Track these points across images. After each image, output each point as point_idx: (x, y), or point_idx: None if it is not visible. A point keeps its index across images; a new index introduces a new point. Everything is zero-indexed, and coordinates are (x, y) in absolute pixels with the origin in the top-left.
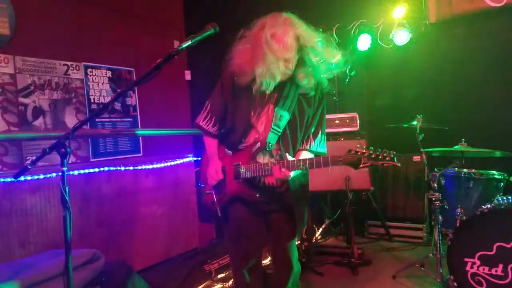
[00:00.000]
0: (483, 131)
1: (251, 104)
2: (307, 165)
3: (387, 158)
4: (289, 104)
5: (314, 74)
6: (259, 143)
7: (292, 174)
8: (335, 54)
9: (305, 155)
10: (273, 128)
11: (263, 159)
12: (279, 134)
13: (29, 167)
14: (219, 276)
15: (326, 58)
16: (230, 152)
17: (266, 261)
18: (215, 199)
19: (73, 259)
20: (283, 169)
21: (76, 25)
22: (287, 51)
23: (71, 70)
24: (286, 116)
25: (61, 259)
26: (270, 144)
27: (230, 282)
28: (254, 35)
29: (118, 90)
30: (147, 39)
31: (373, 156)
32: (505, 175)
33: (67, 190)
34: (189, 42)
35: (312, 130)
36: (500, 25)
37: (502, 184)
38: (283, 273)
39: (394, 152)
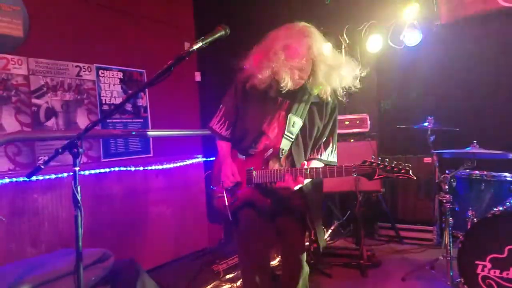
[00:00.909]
0: (496, 133)
1: (263, 111)
2: (320, 174)
3: (402, 171)
4: (301, 111)
5: (326, 84)
6: (271, 149)
7: (304, 182)
8: (348, 65)
9: (315, 164)
10: (286, 135)
11: (275, 165)
12: (292, 140)
13: (42, 166)
14: (228, 276)
15: (339, 69)
16: (244, 156)
17: (275, 262)
18: (227, 203)
19: (83, 258)
20: (297, 177)
21: (88, 27)
22: (300, 60)
23: (83, 71)
24: (299, 123)
25: (72, 258)
26: (283, 151)
27: (239, 283)
28: (268, 44)
29: (130, 91)
30: (157, 41)
31: (388, 168)
32: None
33: (78, 189)
34: (200, 44)
35: (324, 139)
36: None
37: None
38: (293, 274)
39: (409, 165)
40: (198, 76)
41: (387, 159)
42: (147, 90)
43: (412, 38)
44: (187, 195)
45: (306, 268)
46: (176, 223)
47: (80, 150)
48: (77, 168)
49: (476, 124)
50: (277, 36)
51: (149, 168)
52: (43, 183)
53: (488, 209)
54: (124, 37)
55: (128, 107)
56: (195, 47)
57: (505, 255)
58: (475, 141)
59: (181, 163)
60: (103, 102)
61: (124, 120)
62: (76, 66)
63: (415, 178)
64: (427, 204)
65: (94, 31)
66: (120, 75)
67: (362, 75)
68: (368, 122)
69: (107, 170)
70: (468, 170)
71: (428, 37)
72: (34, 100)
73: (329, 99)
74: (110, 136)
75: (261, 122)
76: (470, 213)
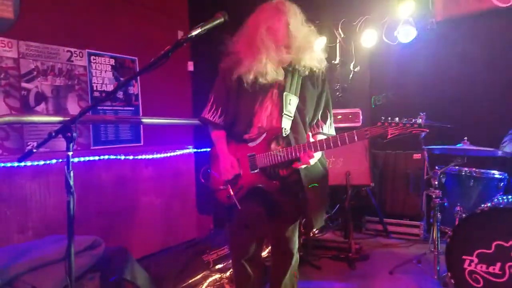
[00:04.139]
0: (487, 130)
1: (254, 91)
2: (331, 144)
3: (415, 125)
4: (295, 87)
5: (310, 56)
6: (273, 130)
7: (317, 155)
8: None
9: (320, 137)
10: (285, 114)
11: (277, 146)
12: (292, 118)
13: (35, 150)
14: (217, 266)
15: (310, 47)
16: (242, 143)
17: (264, 253)
18: (232, 193)
19: (78, 244)
20: (309, 152)
21: (81, 12)
22: (284, 39)
23: (75, 56)
24: (295, 100)
25: (62, 244)
26: (285, 129)
27: (228, 273)
28: (250, 32)
29: (121, 79)
30: (151, 29)
31: (400, 125)
32: (506, 175)
33: (71, 175)
34: (199, 30)
35: (321, 113)
36: (507, 25)
37: (502, 184)
38: (282, 262)
39: (420, 120)
40: (191, 66)
41: (397, 118)
42: (138, 78)
43: (406, 34)
44: (177, 185)
45: (296, 256)
46: (165, 213)
47: (74, 134)
48: (70, 153)
49: (468, 121)
50: (257, 20)
51: (139, 157)
52: (31, 169)
53: (476, 205)
54: (117, 23)
55: (120, 94)
56: (194, 33)
57: (492, 250)
58: (466, 138)
59: (172, 153)
60: (94, 88)
61: (115, 108)
62: (68, 51)
63: (427, 130)
64: (415, 200)
65: (87, 16)
66: (112, 61)
67: (356, 70)
68: (361, 117)
69: (97, 158)
70: (457, 167)
71: (422, 33)
72: (24, 84)
73: (318, 70)
74: (105, 122)
75: (253, 103)
76: (458, 208)
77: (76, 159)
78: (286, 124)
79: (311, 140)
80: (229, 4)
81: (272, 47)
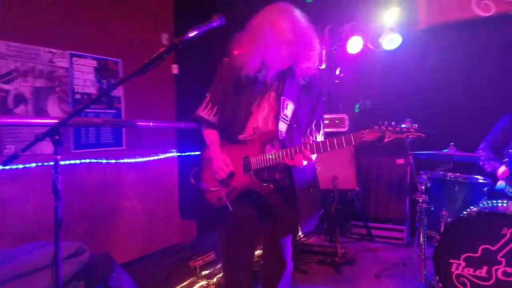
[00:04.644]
0: (470, 136)
1: (251, 92)
2: (328, 146)
3: (411, 130)
4: (292, 93)
5: (308, 63)
6: (268, 132)
7: (313, 157)
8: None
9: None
10: (282, 117)
11: (272, 149)
12: (288, 123)
13: (20, 153)
14: (204, 272)
15: (316, 46)
16: (235, 144)
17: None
18: (223, 195)
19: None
20: (305, 153)
21: (63, 12)
22: (287, 37)
23: (56, 57)
24: (291, 105)
25: (45, 251)
26: (281, 132)
27: (215, 279)
28: (253, 28)
29: (104, 81)
30: (135, 31)
31: (397, 129)
32: (489, 180)
33: (59, 179)
34: (195, 32)
35: (314, 122)
36: (488, 33)
37: (486, 188)
38: (275, 271)
39: (416, 124)
40: (175, 69)
41: (393, 122)
42: None
43: (391, 41)
44: (159, 189)
45: (290, 265)
46: (147, 218)
47: (62, 137)
48: (58, 157)
49: (451, 127)
50: (261, 19)
51: (121, 161)
52: (9, 173)
53: (461, 209)
54: (100, 24)
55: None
56: (191, 35)
57: (478, 254)
58: (452, 144)
59: (155, 157)
60: (76, 90)
61: (97, 110)
62: (49, 52)
63: (424, 135)
64: (399, 204)
65: (69, 17)
66: (95, 63)
67: (341, 75)
68: (347, 122)
69: (78, 161)
70: (442, 172)
71: (407, 41)
72: (2, 85)
73: (316, 79)
74: (93, 124)
75: (250, 103)
76: (444, 213)
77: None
78: (282, 127)
79: (309, 142)
80: (215, 7)
81: (275, 43)
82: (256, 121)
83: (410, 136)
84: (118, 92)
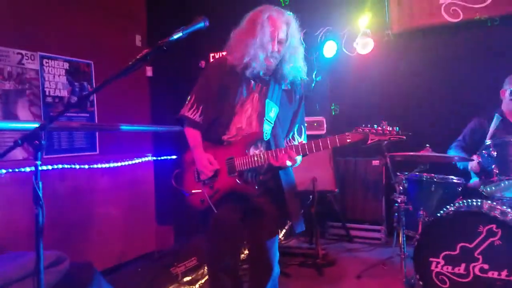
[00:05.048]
0: (447, 137)
1: (235, 93)
2: (313, 148)
3: (393, 132)
4: (276, 97)
5: (295, 68)
6: (253, 134)
7: (297, 159)
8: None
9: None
10: (266, 119)
11: (256, 150)
12: (272, 125)
13: None
14: (186, 279)
15: (302, 54)
16: (225, 145)
17: None
18: (207, 197)
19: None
20: (290, 153)
21: (33, 12)
22: (281, 33)
23: (26, 59)
24: (275, 109)
25: (22, 262)
26: (266, 134)
27: (197, 285)
28: (249, 18)
29: (76, 84)
30: (107, 32)
31: (379, 132)
32: (463, 179)
33: (40, 185)
34: (180, 34)
35: (296, 127)
36: (457, 39)
37: (460, 188)
38: (261, 275)
39: (397, 128)
40: (149, 71)
41: (376, 125)
42: (94, 83)
43: (364, 45)
44: (135, 195)
45: (277, 269)
46: (123, 224)
47: (42, 142)
48: (39, 162)
49: (428, 129)
50: (257, 14)
51: (95, 166)
52: None
53: (437, 209)
54: (72, 25)
55: (74, 100)
56: (175, 36)
57: (457, 252)
58: (428, 145)
59: (130, 162)
60: (47, 93)
61: (69, 114)
62: (18, 53)
63: (405, 138)
64: (375, 205)
65: (39, 17)
66: (66, 65)
67: (318, 79)
68: (325, 125)
69: (50, 167)
70: (419, 173)
71: (380, 45)
72: None
73: (298, 86)
74: (73, 128)
75: (234, 103)
76: (421, 212)
77: (27, 169)
78: (267, 129)
79: (294, 143)
80: (190, 9)
81: (269, 35)
82: (240, 121)
83: (392, 138)
84: (91, 95)
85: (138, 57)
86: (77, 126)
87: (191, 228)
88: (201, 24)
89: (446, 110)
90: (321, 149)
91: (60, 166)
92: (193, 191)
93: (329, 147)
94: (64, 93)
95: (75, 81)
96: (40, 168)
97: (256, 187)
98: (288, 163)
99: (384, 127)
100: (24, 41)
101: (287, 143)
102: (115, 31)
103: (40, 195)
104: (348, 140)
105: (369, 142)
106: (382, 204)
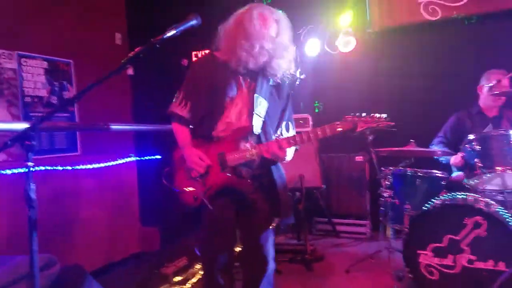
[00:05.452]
0: (430, 132)
1: (224, 88)
2: (305, 139)
3: (381, 120)
4: (264, 92)
5: (284, 65)
6: (243, 128)
7: (289, 151)
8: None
9: None
10: (256, 114)
11: (247, 144)
12: (262, 119)
13: None
14: (177, 279)
15: (292, 51)
16: (215, 140)
17: None
18: (200, 194)
19: (24, 266)
20: (282, 144)
21: (10, 10)
22: (271, 29)
23: (3, 58)
24: (264, 103)
25: (11, 266)
26: (255, 127)
27: (188, 285)
28: (238, 15)
29: (55, 83)
30: (86, 30)
31: (368, 119)
32: (446, 173)
33: (32, 187)
34: (173, 32)
35: (284, 124)
36: (436, 36)
37: (444, 182)
38: (256, 271)
39: (385, 115)
40: (130, 70)
41: (364, 113)
42: (74, 83)
43: (346, 44)
44: (118, 196)
45: (271, 265)
46: (108, 226)
47: (33, 142)
48: (30, 164)
49: (411, 124)
50: (247, 11)
51: (78, 167)
52: None
53: (422, 202)
54: (51, 24)
55: (54, 99)
56: (168, 34)
57: (444, 244)
58: (412, 140)
59: (112, 163)
60: (26, 93)
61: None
62: None
63: (394, 123)
64: (359, 200)
65: (17, 15)
66: (45, 64)
67: (301, 77)
68: (310, 122)
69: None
70: (403, 167)
71: (361, 43)
72: None
73: (285, 82)
74: (66, 128)
75: (224, 98)
76: (407, 206)
77: (8, 171)
78: (257, 123)
79: (286, 135)
80: (170, 7)
81: (258, 31)
82: (229, 116)
83: (380, 125)
84: (71, 94)
85: (130, 55)
86: (66, 126)
87: (177, 228)
88: (193, 22)
89: (427, 105)
90: (311, 139)
91: (42, 167)
92: (185, 189)
93: (320, 137)
94: (44, 93)
95: (54, 81)
96: (14, 171)
97: (250, 181)
98: (280, 153)
99: (371, 114)
100: (1, 39)
101: (278, 136)
102: (95, 29)
103: (32, 197)
104: (338, 129)
105: (358, 129)
106: (366, 199)
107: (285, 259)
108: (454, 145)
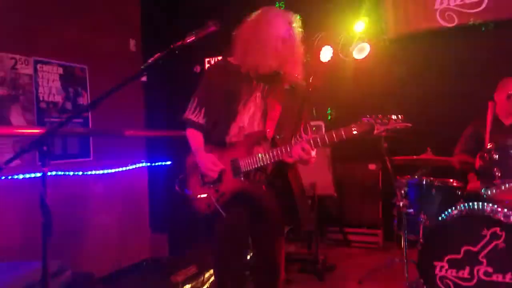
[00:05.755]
0: (448, 140)
1: (238, 94)
2: (319, 141)
3: (398, 121)
4: (277, 95)
5: (296, 68)
6: (256, 133)
7: (313, 152)
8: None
9: None
10: (269, 118)
11: (259, 150)
12: (276, 123)
13: (2, 167)
14: (186, 287)
15: (304, 56)
16: (228, 146)
17: None
18: (213, 200)
19: (37, 272)
20: (304, 146)
21: (27, 17)
22: (285, 32)
23: (20, 64)
24: (278, 108)
25: (18, 273)
26: (269, 132)
27: None
28: (252, 19)
29: (70, 89)
30: (102, 36)
31: (385, 121)
32: (463, 183)
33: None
34: (193, 38)
35: (303, 126)
36: (453, 43)
37: (460, 192)
38: (267, 279)
39: (402, 116)
40: (144, 77)
41: (380, 114)
42: (88, 88)
43: (360, 50)
44: (129, 202)
45: (282, 275)
46: (117, 231)
47: (51, 148)
48: (46, 169)
49: (428, 132)
50: (268, 28)
51: (89, 173)
52: None
53: (438, 212)
54: (67, 30)
55: (68, 105)
56: (189, 40)
57: (461, 255)
58: (429, 148)
59: (124, 168)
60: (41, 99)
61: (63, 120)
62: (12, 58)
63: (410, 125)
64: (372, 209)
65: (33, 22)
66: (60, 70)
67: (315, 83)
68: (324, 130)
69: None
70: (420, 176)
71: (376, 50)
72: None
73: (298, 86)
74: (82, 134)
75: (237, 103)
76: (422, 216)
77: (21, 176)
78: (270, 127)
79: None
80: (180, 14)
81: (272, 34)
82: (242, 120)
83: (398, 126)
84: (85, 100)
85: (150, 61)
86: (82, 132)
87: (188, 235)
88: (213, 28)
89: (444, 113)
90: (327, 142)
91: (54, 173)
92: (198, 196)
93: (335, 139)
94: (59, 99)
95: (69, 86)
96: (26, 176)
97: (264, 188)
98: (304, 156)
99: (388, 115)
100: (18, 46)
101: (296, 139)
102: (109, 36)
103: (47, 203)
104: (354, 132)
105: (375, 132)
106: (379, 208)
107: (295, 268)
108: (474, 154)
